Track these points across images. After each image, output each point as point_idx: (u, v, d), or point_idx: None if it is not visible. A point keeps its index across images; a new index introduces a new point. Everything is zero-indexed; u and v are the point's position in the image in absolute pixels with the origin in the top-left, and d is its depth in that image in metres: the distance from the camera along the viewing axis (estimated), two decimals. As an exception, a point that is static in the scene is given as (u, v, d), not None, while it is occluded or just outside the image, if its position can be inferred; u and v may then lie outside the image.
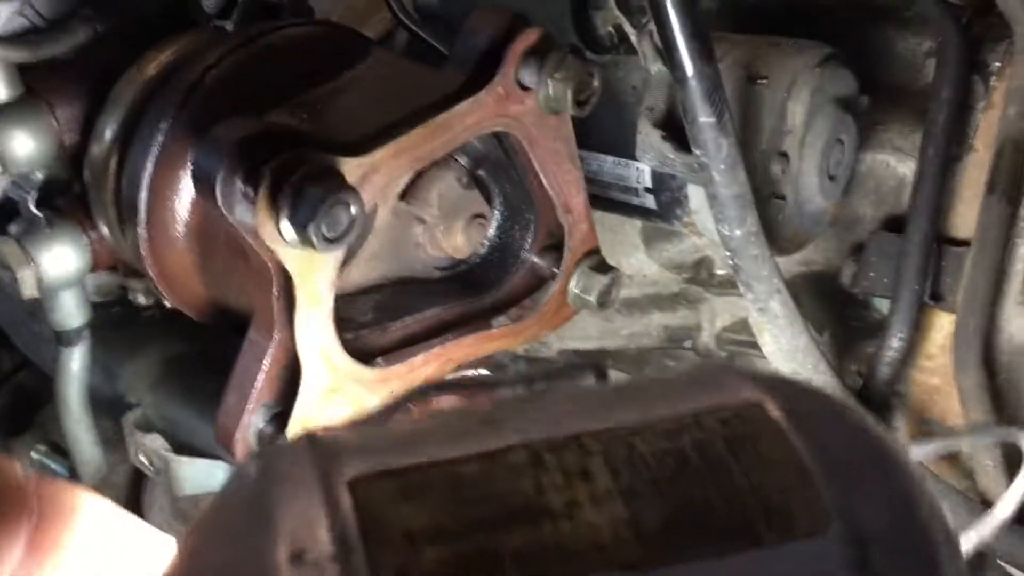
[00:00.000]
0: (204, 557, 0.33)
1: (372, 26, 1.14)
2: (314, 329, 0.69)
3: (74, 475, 0.98)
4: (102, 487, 1.32)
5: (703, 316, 1.31)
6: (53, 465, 1.00)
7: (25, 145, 0.76)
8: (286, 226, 0.61)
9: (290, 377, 0.72)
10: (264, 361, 0.71)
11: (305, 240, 0.61)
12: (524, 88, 0.75)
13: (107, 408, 0.95)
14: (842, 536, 0.31)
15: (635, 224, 1.26)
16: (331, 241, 0.62)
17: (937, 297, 1.02)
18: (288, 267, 0.64)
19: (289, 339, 0.70)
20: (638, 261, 1.29)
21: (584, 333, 1.35)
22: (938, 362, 1.08)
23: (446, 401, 0.89)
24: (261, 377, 0.71)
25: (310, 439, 0.33)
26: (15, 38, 0.75)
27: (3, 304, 1.01)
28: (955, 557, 0.33)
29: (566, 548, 0.31)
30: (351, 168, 0.64)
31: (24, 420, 1.18)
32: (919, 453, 0.87)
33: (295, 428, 0.71)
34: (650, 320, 1.34)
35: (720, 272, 1.25)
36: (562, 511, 0.32)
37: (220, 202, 0.61)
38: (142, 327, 0.96)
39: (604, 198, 1.09)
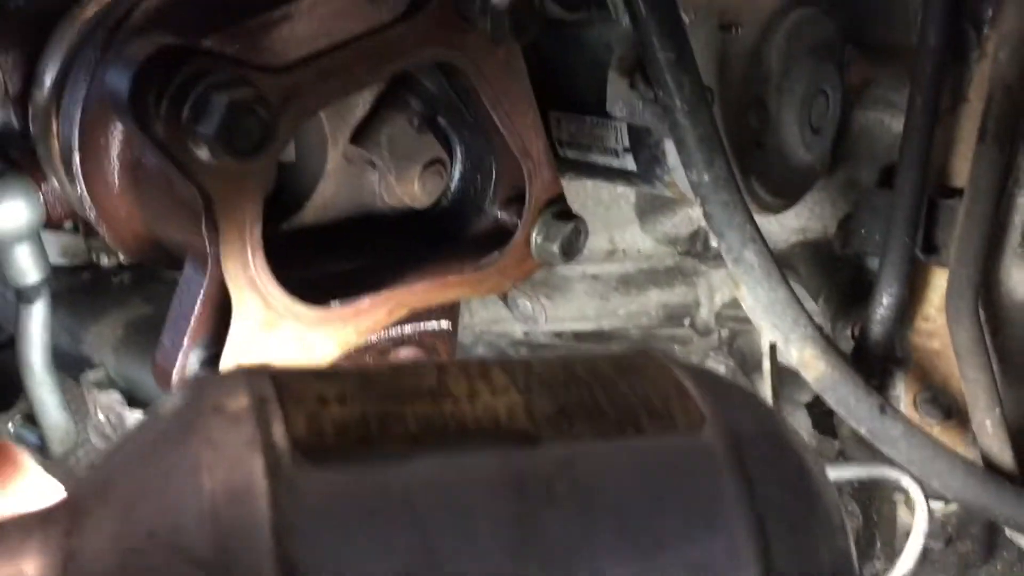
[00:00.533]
0: (140, 425, 0.37)
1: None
2: (243, 259, 0.67)
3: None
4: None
5: (701, 292, 1.28)
6: (27, 435, 0.99)
7: (-33, 92, 0.76)
8: (196, 140, 0.59)
9: (226, 316, 0.70)
10: (198, 298, 0.69)
11: (215, 152, 0.59)
12: (465, 19, 0.73)
13: (75, 373, 0.94)
14: (717, 432, 0.35)
15: (629, 199, 1.24)
16: (244, 154, 0.60)
17: (931, 250, 0.98)
18: (207, 188, 0.62)
19: (222, 274, 0.68)
20: (632, 236, 1.26)
21: (581, 313, 1.33)
22: (937, 324, 1.03)
23: (405, 354, 0.87)
24: (195, 315, 0.70)
25: (240, 366, 0.38)
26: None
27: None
28: (818, 462, 0.37)
29: (464, 419, 0.35)
30: (270, 86, 0.63)
31: (11, 397, 1.19)
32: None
33: (229, 363, 0.69)
34: (647, 298, 1.30)
35: (715, 244, 1.22)
36: (463, 396, 0.36)
37: (132, 120, 0.60)
38: (110, 291, 0.95)
39: (586, 163, 1.06)
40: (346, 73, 0.67)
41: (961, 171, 0.99)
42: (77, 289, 0.96)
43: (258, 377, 0.35)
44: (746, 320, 1.21)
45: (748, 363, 1.31)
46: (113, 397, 0.84)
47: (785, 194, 1.02)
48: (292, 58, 0.67)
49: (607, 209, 1.25)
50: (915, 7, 1.07)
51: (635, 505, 0.33)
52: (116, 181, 0.73)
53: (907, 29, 1.08)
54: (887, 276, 0.96)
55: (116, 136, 0.71)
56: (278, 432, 0.32)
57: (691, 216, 1.21)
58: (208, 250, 0.67)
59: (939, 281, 1.01)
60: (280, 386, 0.35)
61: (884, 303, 0.97)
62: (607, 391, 0.37)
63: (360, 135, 0.80)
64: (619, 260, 1.28)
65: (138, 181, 0.73)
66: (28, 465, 0.46)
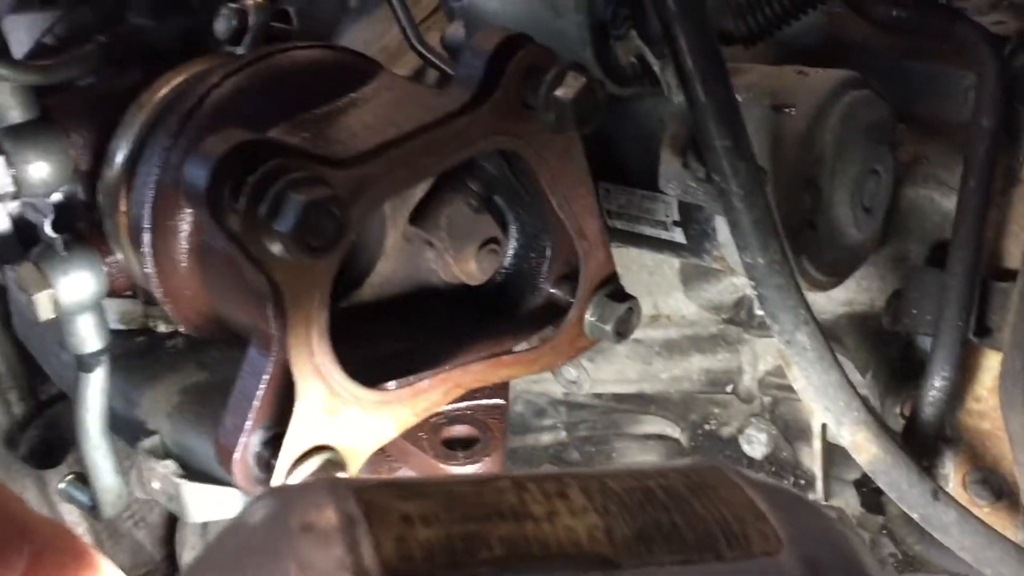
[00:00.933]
0: (222, 537, 0.38)
1: (403, 65, 1.15)
2: (308, 347, 0.68)
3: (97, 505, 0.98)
4: (138, 525, 1.33)
5: (744, 359, 1.27)
6: (78, 495, 1.00)
7: (41, 169, 0.77)
8: (270, 235, 0.60)
9: (288, 397, 0.71)
10: (262, 380, 0.70)
11: (289, 249, 0.60)
12: (528, 107, 0.74)
13: (128, 436, 0.95)
14: (794, 559, 0.35)
15: (673, 264, 1.24)
16: (317, 251, 0.61)
17: (983, 332, 0.97)
18: (277, 280, 0.63)
19: (287, 358, 0.69)
20: (676, 302, 1.27)
21: (623, 376, 1.33)
22: (988, 405, 1.02)
23: (459, 431, 0.87)
24: (259, 397, 0.70)
25: (324, 480, 0.39)
26: (30, 61, 0.77)
27: (35, 334, 1.03)
28: None
29: (547, 541, 0.35)
30: (341, 180, 0.64)
31: (61, 452, 1.20)
32: None
33: (291, 449, 0.70)
34: (690, 363, 1.30)
35: (760, 312, 1.22)
36: (543, 516, 0.37)
37: (208, 213, 0.61)
38: (164, 356, 0.97)
39: (634, 233, 1.07)
40: (414, 164, 0.68)
41: (1014, 253, 0.99)
42: (132, 353, 0.97)
43: (343, 493, 0.36)
44: (790, 388, 1.20)
45: (791, 430, 1.31)
46: (170, 467, 0.85)
47: (836, 272, 1.02)
48: (359, 148, 0.68)
49: (651, 274, 1.26)
50: (965, 84, 1.08)
51: None
52: (184, 262, 0.75)
53: (957, 105, 1.08)
54: (939, 359, 0.95)
55: (185, 219, 0.73)
56: (368, 555, 0.33)
57: (735, 284, 1.21)
58: (274, 337, 0.68)
59: (991, 362, 1.01)
60: (365, 504, 0.35)
61: (936, 386, 0.96)
62: (683, 513, 0.37)
63: (419, 216, 0.81)
64: (663, 325, 1.28)
65: (205, 263, 0.74)
66: (108, 571, 0.46)
